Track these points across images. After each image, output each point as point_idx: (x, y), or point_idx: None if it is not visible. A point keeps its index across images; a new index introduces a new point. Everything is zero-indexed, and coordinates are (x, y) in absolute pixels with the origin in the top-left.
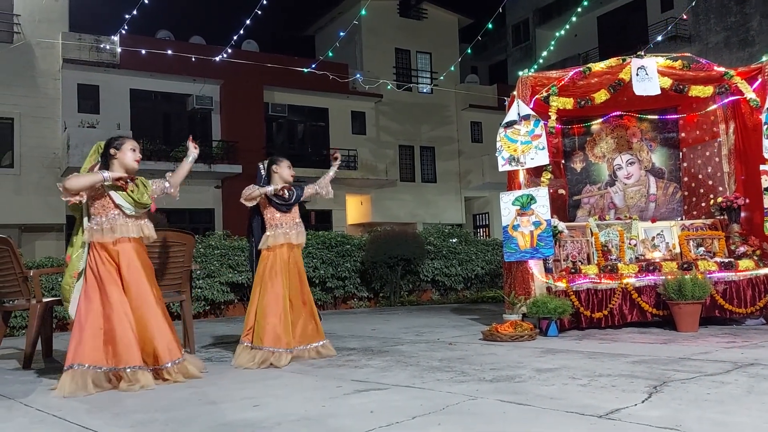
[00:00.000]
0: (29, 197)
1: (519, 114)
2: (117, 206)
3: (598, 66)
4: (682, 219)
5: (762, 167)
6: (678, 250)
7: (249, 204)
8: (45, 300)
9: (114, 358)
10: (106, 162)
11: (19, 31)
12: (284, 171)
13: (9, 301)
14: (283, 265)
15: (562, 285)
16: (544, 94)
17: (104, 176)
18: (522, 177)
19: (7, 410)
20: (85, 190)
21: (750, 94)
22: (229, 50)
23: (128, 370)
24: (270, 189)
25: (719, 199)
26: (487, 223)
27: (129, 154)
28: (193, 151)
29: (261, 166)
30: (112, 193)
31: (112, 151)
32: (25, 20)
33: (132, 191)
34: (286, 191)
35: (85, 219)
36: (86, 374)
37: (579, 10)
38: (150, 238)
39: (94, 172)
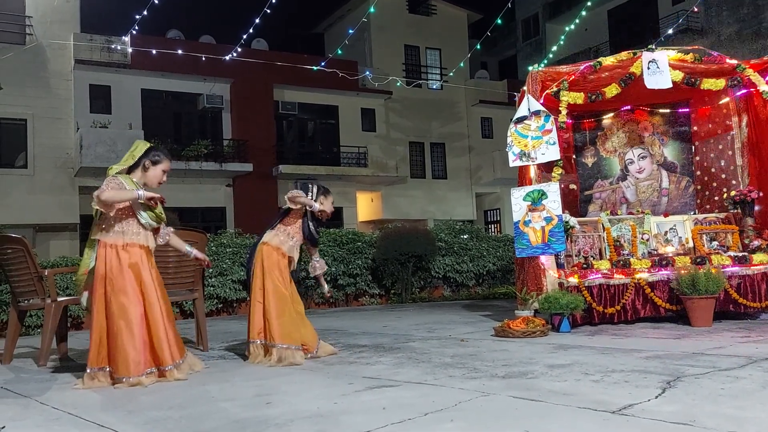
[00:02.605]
0: (43, 197)
1: (529, 109)
2: (134, 214)
3: (609, 60)
4: (695, 213)
5: None
6: (691, 244)
7: (293, 206)
8: (60, 299)
9: (113, 364)
10: (137, 166)
11: (32, 32)
12: (327, 206)
13: (24, 301)
14: (283, 269)
15: (574, 280)
16: (555, 89)
17: (138, 194)
18: (533, 172)
19: (24, 408)
20: (120, 202)
21: (763, 86)
22: (239, 49)
23: (124, 379)
24: (316, 206)
25: (732, 193)
26: (499, 218)
27: (158, 174)
28: (196, 253)
29: (311, 186)
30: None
31: (147, 162)
32: (37, 22)
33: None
34: (324, 217)
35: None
36: (97, 375)
37: (589, 3)
38: (151, 248)
39: (130, 190)
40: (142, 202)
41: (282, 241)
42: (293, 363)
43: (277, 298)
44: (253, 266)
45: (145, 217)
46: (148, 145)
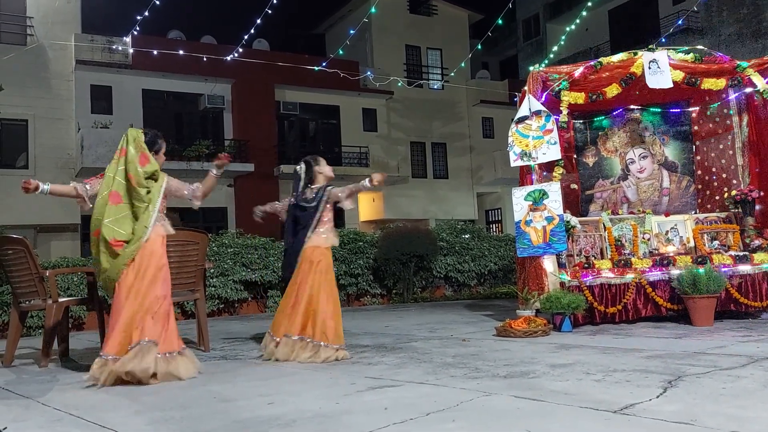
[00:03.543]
0: (44, 198)
1: (530, 109)
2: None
3: (610, 60)
4: (695, 212)
5: None
6: (692, 243)
7: (351, 203)
8: (61, 300)
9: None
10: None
11: (33, 33)
12: (325, 168)
13: (26, 301)
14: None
15: (575, 280)
16: (556, 88)
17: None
18: (534, 172)
19: (25, 409)
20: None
21: (763, 86)
22: (240, 49)
23: (177, 353)
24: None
25: (733, 192)
26: (500, 218)
27: (162, 160)
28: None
29: (297, 168)
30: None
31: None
32: (38, 22)
33: None
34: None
35: (153, 213)
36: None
37: (590, 3)
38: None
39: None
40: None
41: (331, 237)
42: (329, 360)
43: (334, 299)
44: (298, 265)
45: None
46: (140, 134)
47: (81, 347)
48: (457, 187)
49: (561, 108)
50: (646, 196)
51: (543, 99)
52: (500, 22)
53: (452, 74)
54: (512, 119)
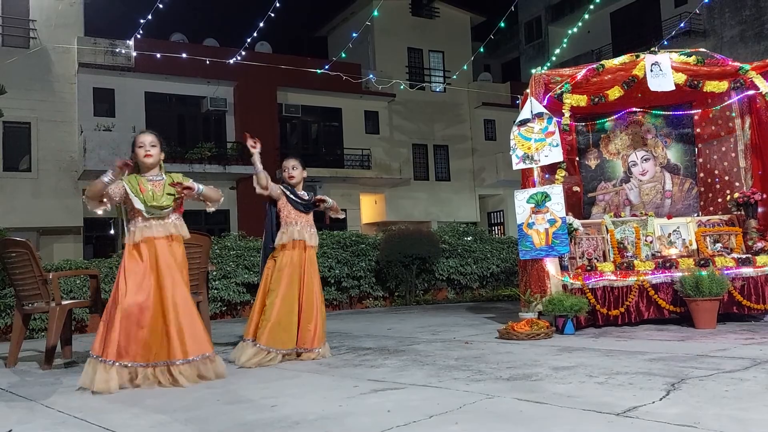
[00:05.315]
0: (47, 200)
1: (532, 112)
2: (138, 210)
3: (612, 62)
4: (698, 215)
5: None
6: (695, 246)
7: (264, 192)
8: (64, 303)
9: (132, 356)
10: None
11: (36, 36)
12: (284, 174)
13: (29, 304)
14: (295, 266)
15: (578, 282)
16: (558, 91)
17: (105, 178)
18: (536, 175)
19: (29, 411)
20: (99, 195)
21: (766, 88)
22: (243, 52)
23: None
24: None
25: (736, 195)
26: (502, 220)
27: (139, 153)
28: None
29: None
30: (132, 197)
31: (131, 153)
32: (41, 25)
33: (151, 194)
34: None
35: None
36: (112, 369)
37: (591, 6)
38: (183, 236)
39: (100, 180)
40: (118, 176)
41: (292, 232)
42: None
43: (277, 299)
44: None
45: (142, 208)
46: None
47: (84, 350)
48: (459, 189)
49: (563, 110)
50: (648, 198)
51: (545, 101)
52: (502, 24)
53: (454, 77)
54: (514, 122)
